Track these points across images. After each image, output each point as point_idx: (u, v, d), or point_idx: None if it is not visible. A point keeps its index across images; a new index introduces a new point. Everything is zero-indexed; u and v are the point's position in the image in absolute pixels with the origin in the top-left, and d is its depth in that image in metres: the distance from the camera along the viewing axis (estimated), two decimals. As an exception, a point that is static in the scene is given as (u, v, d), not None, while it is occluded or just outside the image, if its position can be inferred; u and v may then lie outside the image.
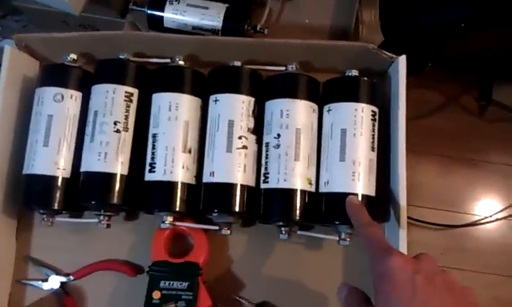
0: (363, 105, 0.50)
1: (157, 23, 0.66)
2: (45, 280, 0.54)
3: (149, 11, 0.65)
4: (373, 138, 0.50)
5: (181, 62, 0.53)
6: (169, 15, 0.64)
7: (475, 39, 0.92)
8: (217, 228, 0.51)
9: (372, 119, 0.50)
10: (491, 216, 1.11)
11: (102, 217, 0.51)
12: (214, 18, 0.64)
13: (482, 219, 1.12)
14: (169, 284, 0.50)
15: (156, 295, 0.50)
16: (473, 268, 1.05)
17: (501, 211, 1.10)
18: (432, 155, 1.13)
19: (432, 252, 0.39)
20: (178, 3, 0.65)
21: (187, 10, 0.64)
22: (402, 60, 0.52)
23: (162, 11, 0.65)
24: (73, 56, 0.54)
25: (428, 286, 0.36)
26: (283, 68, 0.54)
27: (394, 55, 0.53)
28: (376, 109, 0.51)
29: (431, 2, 0.82)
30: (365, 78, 0.51)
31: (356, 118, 0.50)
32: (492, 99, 1.05)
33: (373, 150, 0.50)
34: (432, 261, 0.38)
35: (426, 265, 0.37)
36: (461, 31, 0.87)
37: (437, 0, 0.82)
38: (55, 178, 0.50)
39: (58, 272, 0.55)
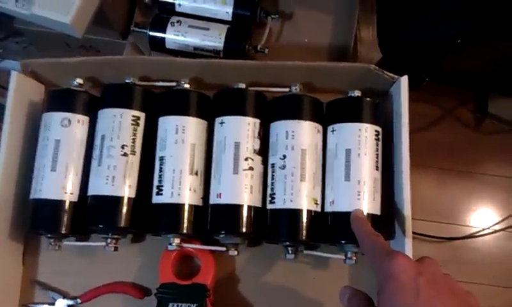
0: (367, 125, 0.51)
1: (158, 45, 0.67)
2: (52, 304, 0.54)
3: (151, 33, 0.66)
4: (377, 157, 0.51)
5: (186, 86, 0.54)
6: (171, 36, 0.65)
7: (470, 54, 0.93)
8: (224, 249, 0.52)
9: (375, 139, 0.51)
10: (488, 228, 1.12)
11: (109, 240, 0.51)
12: (215, 38, 0.65)
13: (480, 231, 1.13)
14: (177, 306, 0.50)
15: (165, 317, 0.50)
16: (472, 280, 1.06)
17: (498, 223, 1.11)
18: (429, 168, 1.14)
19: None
20: (180, 24, 0.66)
21: (188, 31, 0.65)
22: (404, 80, 0.53)
23: (164, 32, 0.66)
24: (80, 81, 0.54)
25: (431, 289, 0.36)
26: (286, 90, 0.55)
27: (396, 76, 0.54)
28: (379, 129, 0.52)
29: (427, 19, 0.84)
30: (368, 99, 0.52)
31: (360, 138, 0.50)
32: (488, 112, 1.06)
33: (377, 169, 0.51)
34: (436, 265, 0.39)
35: (430, 268, 0.38)
36: (457, 46, 0.88)
37: (433, 17, 0.83)
38: (63, 202, 0.51)
39: (65, 296, 0.55)
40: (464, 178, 1.14)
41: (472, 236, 1.12)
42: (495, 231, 1.11)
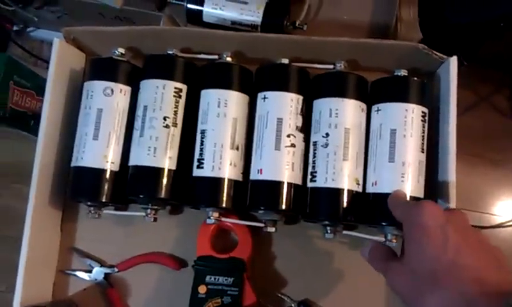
0: (413, 105, 0.49)
1: (195, 18, 0.65)
2: (89, 271, 0.55)
3: (188, 5, 0.65)
4: (423, 139, 0.50)
5: (229, 59, 0.53)
6: (209, 10, 0.64)
7: (509, 39, 0.90)
8: (262, 225, 0.51)
9: (422, 120, 0.50)
10: (518, 218, 1.10)
11: (148, 211, 0.51)
12: (253, 13, 0.63)
13: (509, 221, 1.11)
14: (214, 279, 0.50)
15: (202, 289, 0.50)
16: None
17: (530, 213, 1.09)
18: (461, 154, 1.11)
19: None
20: (218, -3, 0.65)
21: (226, 5, 0.64)
22: (453, 61, 0.51)
23: (202, 5, 0.64)
24: (121, 50, 0.54)
25: (460, 237, 0.35)
26: (330, 66, 0.53)
27: (445, 56, 0.52)
28: (425, 110, 0.50)
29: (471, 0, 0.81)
30: (415, 79, 0.51)
31: (406, 119, 0.49)
32: (525, 100, 1.03)
33: (422, 152, 0.49)
34: (465, 216, 0.38)
35: (458, 218, 0.37)
36: (499, 30, 0.85)
37: (477, -2, 0.80)
38: (104, 171, 0.51)
39: (102, 264, 0.55)
40: (494, 166, 1.11)
41: (500, 226, 1.10)
42: (525, 222, 1.09)
